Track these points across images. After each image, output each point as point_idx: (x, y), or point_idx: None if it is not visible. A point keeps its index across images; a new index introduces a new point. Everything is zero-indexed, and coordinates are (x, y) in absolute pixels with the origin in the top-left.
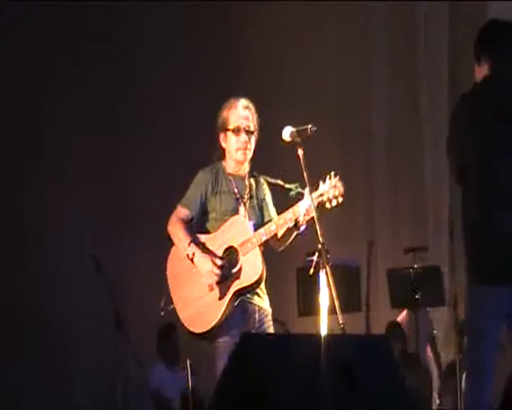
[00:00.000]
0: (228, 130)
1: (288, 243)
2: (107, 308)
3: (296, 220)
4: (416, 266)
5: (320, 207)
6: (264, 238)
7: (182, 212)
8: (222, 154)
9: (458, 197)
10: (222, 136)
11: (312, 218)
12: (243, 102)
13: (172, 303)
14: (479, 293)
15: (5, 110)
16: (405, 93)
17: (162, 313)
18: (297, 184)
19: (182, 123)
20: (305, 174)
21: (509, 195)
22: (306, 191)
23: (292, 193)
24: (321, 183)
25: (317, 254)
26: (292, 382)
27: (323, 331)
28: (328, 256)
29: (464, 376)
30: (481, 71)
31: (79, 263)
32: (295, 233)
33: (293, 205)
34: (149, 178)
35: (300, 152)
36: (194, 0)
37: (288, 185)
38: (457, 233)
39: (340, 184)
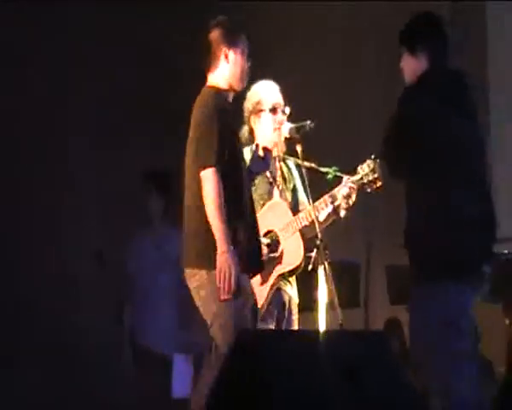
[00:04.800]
0: (262, 110)
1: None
2: (111, 305)
3: (335, 205)
4: (506, 251)
5: (360, 191)
6: (305, 223)
7: None
8: (251, 137)
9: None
10: (253, 119)
11: (350, 204)
12: (274, 84)
13: None
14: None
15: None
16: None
17: None
18: (335, 168)
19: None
20: (303, 171)
21: (473, 183)
22: (345, 177)
23: (329, 176)
24: (359, 166)
25: (315, 250)
26: (290, 378)
27: (321, 327)
28: (327, 252)
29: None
30: (416, 63)
31: (84, 260)
32: (333, 219)
33: (332, 189)
34: None
35: (299, 148)
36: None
37: (323, 169)
38: None
39: (377, 167)
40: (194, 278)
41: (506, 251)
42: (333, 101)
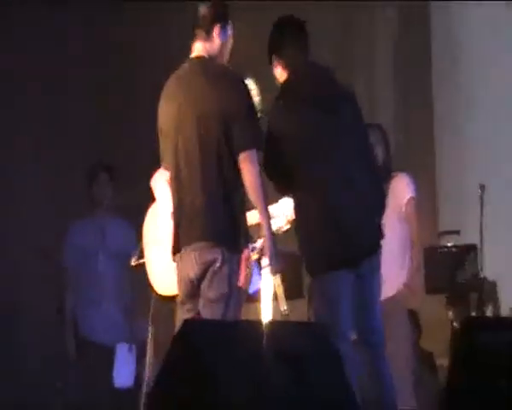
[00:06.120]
0: None
1: None
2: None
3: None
4: (449, 244)
5: None
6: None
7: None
8: None
9: None
10: None
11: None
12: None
13: (144, 257)
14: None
15: None
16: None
17: (133, 263)
18: None
19: None
20: None
21: (347, 180)
22: None
23: None
24: None
25: (260, 240)
26: (234, 368)
27: (266, 318)
28: None
29: None
30: (281, 73)
31: (25, 252)
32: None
33: None
34: None
35: None
36: None
37: None
38: None
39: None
40: (210, 251)
41: (449, 243)
42: None
